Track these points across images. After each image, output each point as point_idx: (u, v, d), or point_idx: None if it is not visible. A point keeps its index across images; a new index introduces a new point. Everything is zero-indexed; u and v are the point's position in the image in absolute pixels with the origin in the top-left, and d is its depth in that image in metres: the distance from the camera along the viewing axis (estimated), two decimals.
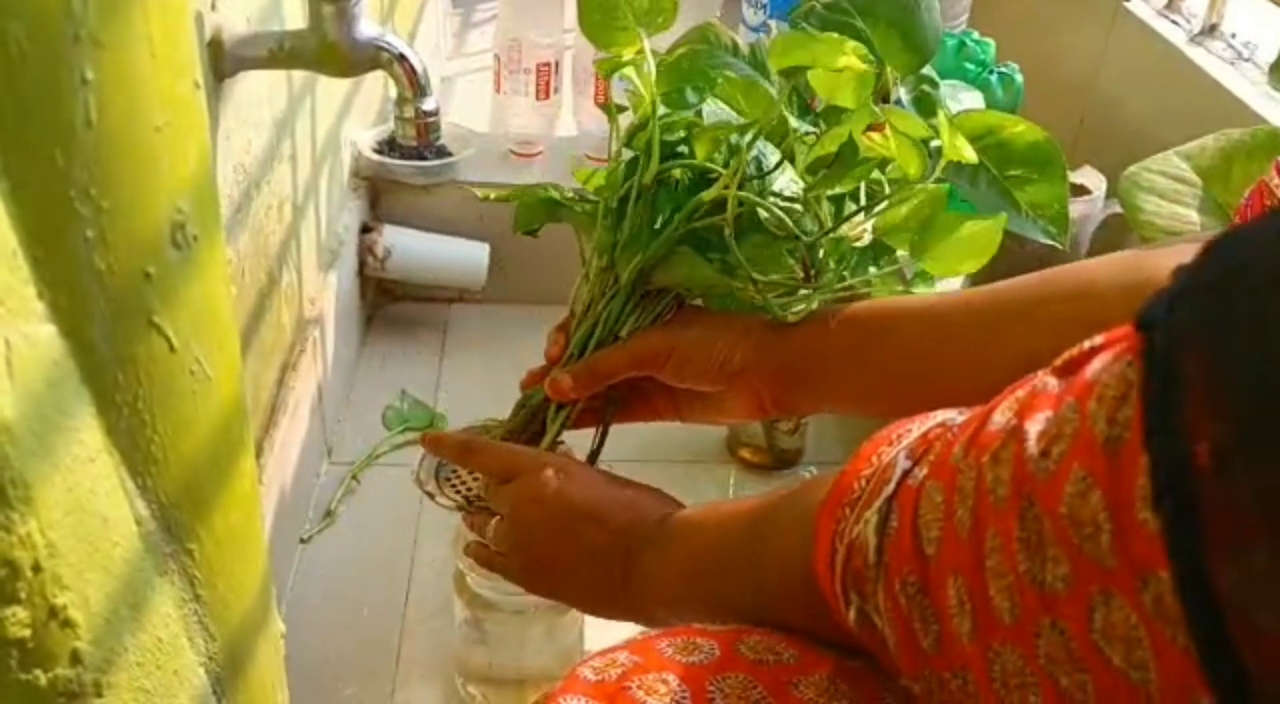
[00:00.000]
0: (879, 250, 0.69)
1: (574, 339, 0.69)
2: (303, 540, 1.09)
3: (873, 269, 0.69)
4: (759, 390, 0.66)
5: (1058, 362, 0.34)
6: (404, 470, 1.21)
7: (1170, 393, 0.27)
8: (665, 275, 0.66)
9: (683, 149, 0.68)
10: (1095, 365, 0.31)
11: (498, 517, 0.70)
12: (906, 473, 0.39)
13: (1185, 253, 0.58)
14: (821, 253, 0.65)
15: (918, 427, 0.42)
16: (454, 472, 1.22)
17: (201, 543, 0.47)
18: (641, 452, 1.21)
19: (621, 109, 0.70)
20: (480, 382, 1.27)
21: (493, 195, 0.75)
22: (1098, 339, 0.32)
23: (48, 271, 0.37)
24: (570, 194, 0.71)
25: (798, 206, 0.64)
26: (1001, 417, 0.34)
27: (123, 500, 0.43)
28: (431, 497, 1.21)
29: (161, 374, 0.43)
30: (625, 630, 1.01)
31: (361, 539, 1.11)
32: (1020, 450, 0.32)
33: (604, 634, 1.00)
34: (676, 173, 0.66)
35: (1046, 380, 0.33)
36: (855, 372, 0.63)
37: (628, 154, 0.68)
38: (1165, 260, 0.56)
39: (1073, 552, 0.30)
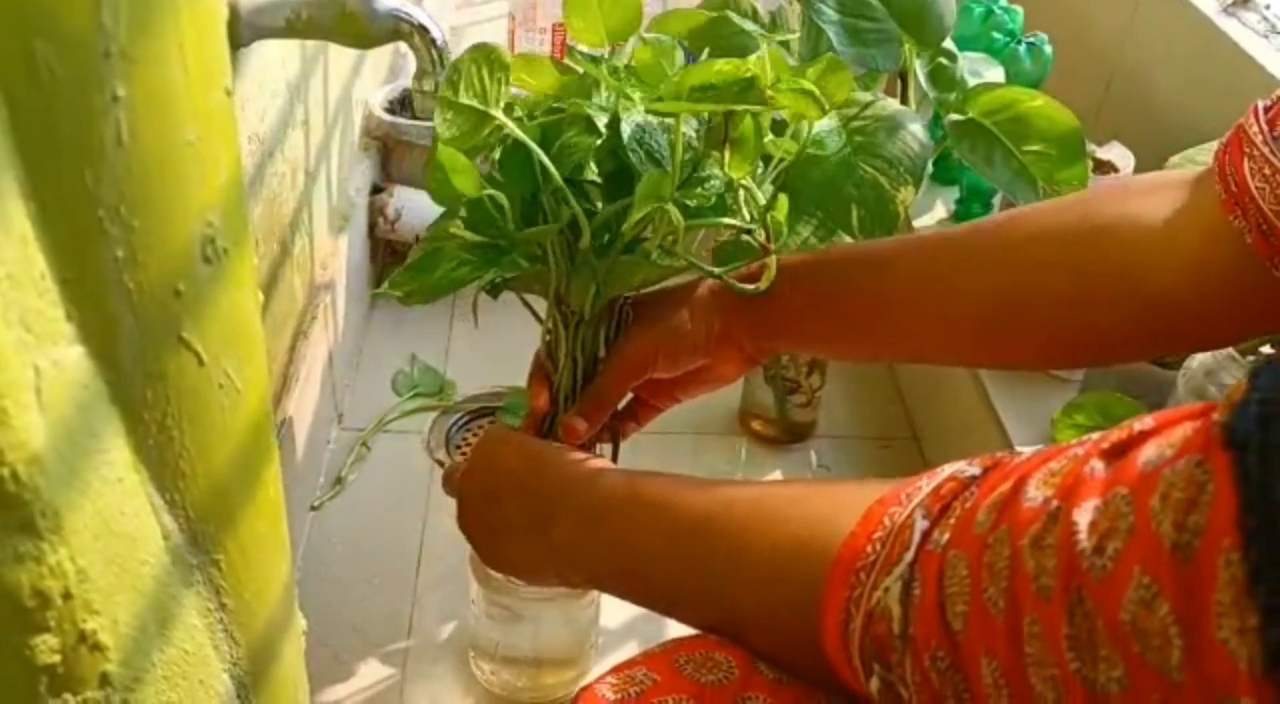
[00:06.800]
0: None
1: (562, 384, 0.70)
2: (313, 508, 1.09)
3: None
4: (742, 345, 0.69)
5: (1104, 443, 0.32)
6: (414, 437, 1.21)
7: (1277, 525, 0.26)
8: (620, 287, 0.67)
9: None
10: (1149, 453, 0.29)
11: None
12: (925, 535, 0.38)
13: (1133, 193, 0.58)
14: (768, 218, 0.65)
15: (927, 483, 0.41)
16: (465, 440, 1.22)
17: (228, 553, 0.47)
18: (653, 424, 1.20)
19: None
20: (489, 347, 1.25)
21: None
22: (1147, 421, 0.30)
23: (77, 292, 0.36)
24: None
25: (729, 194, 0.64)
26: (1038, 492, 0.33)
27: (150, 517, 0.42)
28: (441, 464, 1.20)
29: (190, 389, 0.41)
30: (636, 611, 1.01)
31: (372, 507, 1.10)
32: (1068, 540, 0.31)
33: (619, 614, 1.00)
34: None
35: (1092, 463, 0.32)
36: (826, 319, 0.66)
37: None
38: (1112, 205, 0.58)
39: (1133, 660, 0.29)
